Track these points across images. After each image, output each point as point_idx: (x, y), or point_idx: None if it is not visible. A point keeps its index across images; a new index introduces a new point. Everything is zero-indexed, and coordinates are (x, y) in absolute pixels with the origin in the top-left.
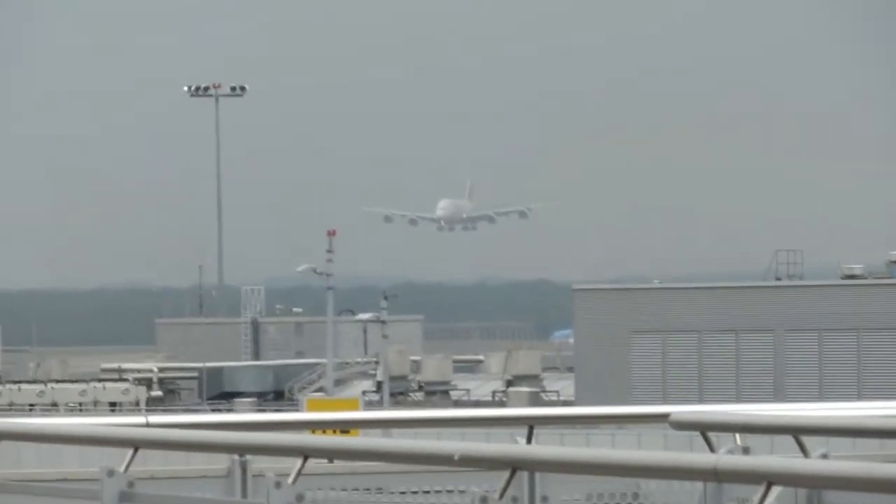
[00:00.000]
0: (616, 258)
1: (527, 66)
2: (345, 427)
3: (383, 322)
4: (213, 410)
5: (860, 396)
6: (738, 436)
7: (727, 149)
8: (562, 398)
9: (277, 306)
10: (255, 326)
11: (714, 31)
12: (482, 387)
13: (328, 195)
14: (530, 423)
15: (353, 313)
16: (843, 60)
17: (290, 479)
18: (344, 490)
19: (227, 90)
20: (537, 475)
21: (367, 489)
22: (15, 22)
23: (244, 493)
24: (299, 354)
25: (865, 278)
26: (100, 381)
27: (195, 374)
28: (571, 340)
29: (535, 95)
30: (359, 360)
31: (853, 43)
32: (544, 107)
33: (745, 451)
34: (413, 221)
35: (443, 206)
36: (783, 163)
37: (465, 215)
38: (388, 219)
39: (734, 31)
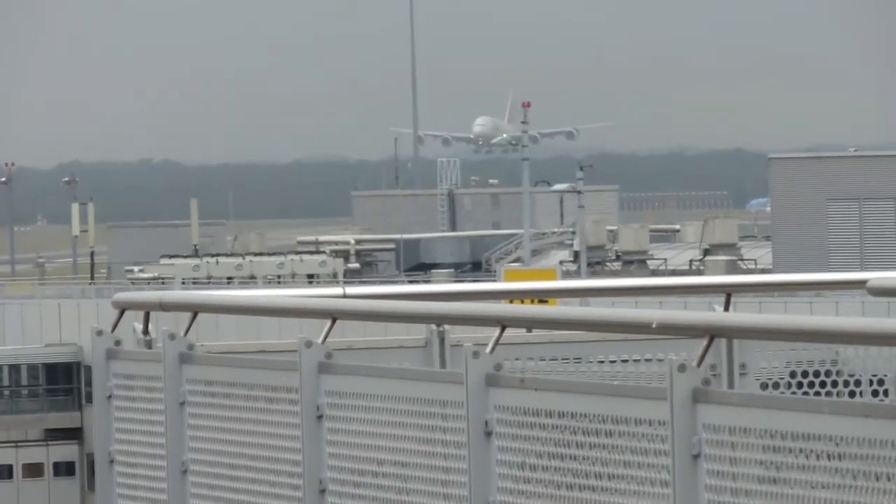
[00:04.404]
0: (810, 127)
1: None
2: (542, 297)
3: (579, 192)
4: (411, 282)
5: None
6: None
7: None
8: (759, 266)
9: (473, 178)
10: (452, 198)
11: None
12: (679, 256)
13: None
14: (728, 291)
15: (549, 184)
16: None
17: (488, 349)
18: (542, 359)
19: None
20: (735, 342)
21: (565, 358)
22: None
23: (442, 363)
24: (495, 225)
25: None
26: (297, 253)
27: (392, 245)
28: (768, 209)
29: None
30: (555, 230)
31: None
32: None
33: None
34: (446, 141)
35: (480, 123)
36: None
37: (504, 135)
38: (420, 140)
39: None
